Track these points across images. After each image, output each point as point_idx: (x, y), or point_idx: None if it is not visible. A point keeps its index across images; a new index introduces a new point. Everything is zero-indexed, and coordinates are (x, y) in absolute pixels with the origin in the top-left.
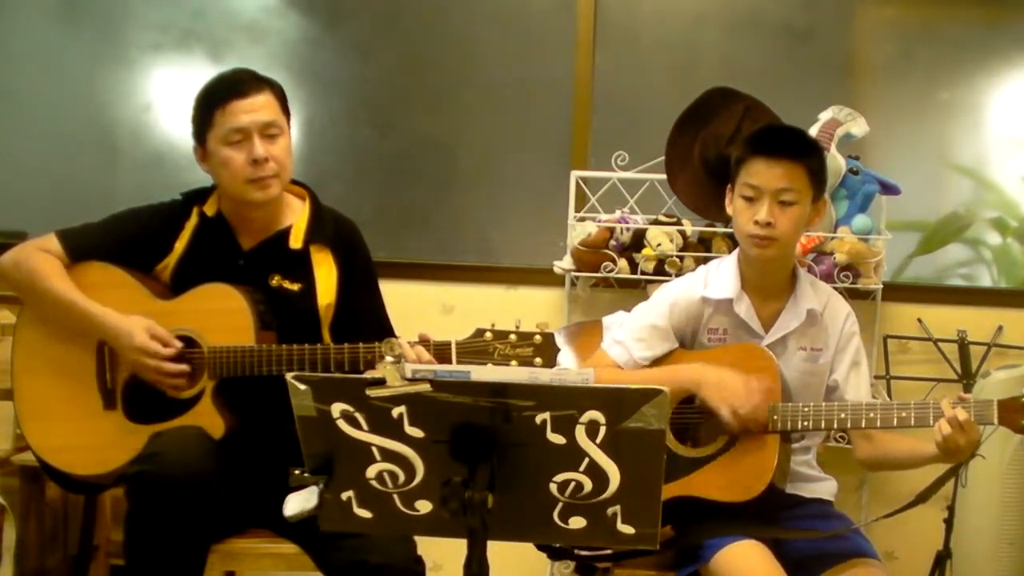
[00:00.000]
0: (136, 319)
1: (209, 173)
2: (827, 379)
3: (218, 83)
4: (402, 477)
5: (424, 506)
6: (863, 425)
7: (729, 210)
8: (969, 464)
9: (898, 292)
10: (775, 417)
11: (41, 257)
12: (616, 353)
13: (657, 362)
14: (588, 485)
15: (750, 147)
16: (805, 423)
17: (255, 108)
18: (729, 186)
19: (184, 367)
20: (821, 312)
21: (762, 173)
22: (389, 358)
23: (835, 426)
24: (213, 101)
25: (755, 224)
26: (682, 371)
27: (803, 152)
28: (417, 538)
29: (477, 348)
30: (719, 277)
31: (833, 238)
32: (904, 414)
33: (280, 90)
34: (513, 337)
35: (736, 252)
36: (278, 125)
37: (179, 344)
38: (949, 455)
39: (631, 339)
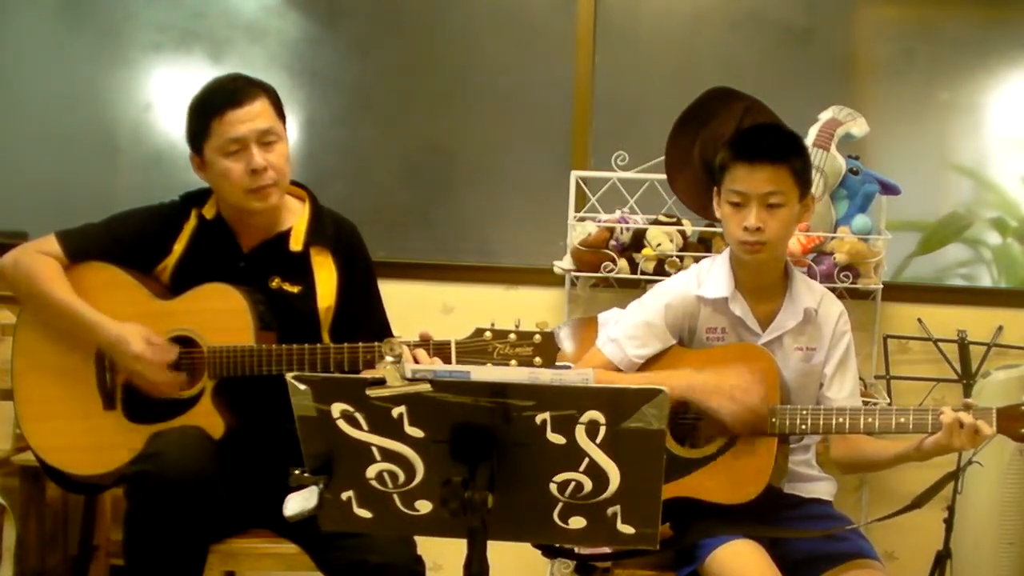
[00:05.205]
0: (131, 326)
1: (207, 182)
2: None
3: (212, 92)
4: (402, 477)
5: (424, 506)
6: (861, 429)
7: (717, 213)
8: (967, 471)
9: (898, 292)
10: (773, 420)
11: (40, 260)
12: (610, 351)
13: (655, 360)
14: (588, 485)
15: (732, 152)
16: (803, 426)
17: (251, 117)
18: (716, 189)
19: (181, 376)
20: (815, 311)
21: (746, 179)
22: (389, 358)
23: (833, 430)
24: (208, 111)
25: (745, 230)
26: (675, 378)
27: (785, 153)
28: (417, 538)
29: (476, 347)
30: (712, 276)
31: (833, 238)
32: (903, 419)
33: (274, 94)
34: (512, 336)
35: (727, 251)
36: (275, 132)
37: (176, 349)
38: (927, 456)
39: (625, 337)
